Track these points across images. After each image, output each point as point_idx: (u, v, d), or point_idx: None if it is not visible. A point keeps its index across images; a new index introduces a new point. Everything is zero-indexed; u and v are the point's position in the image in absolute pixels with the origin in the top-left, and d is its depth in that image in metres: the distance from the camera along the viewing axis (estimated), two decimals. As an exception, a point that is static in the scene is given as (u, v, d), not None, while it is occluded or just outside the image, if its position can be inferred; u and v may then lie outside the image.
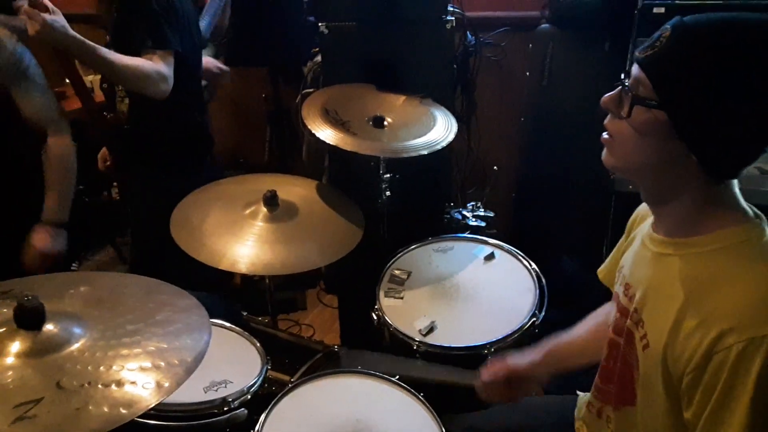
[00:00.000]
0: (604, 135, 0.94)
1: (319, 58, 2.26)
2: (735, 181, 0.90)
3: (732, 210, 0.89)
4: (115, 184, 2.88)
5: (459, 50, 2.14)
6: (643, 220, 1.07)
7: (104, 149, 2.11)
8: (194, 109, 1.98)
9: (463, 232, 1.93)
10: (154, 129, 1.91)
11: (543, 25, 2.22)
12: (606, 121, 0.93)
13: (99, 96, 2.31)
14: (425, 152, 1.70)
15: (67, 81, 2.91)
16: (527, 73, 2.24)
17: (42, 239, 1.73)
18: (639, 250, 1.01)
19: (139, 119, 1.91)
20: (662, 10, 1.80)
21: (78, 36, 1.55)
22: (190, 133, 1.97)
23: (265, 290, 1.87)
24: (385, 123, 1.81)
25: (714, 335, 0.81)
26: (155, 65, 1.67)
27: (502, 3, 2.45)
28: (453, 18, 1.93)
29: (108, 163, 2.10)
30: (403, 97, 1.90)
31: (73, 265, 2.45)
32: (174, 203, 1.68)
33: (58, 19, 1.50)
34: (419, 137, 1.75)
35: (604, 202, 1.99)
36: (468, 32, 2.15)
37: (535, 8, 2.30)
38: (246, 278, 2.46)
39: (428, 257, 1.78)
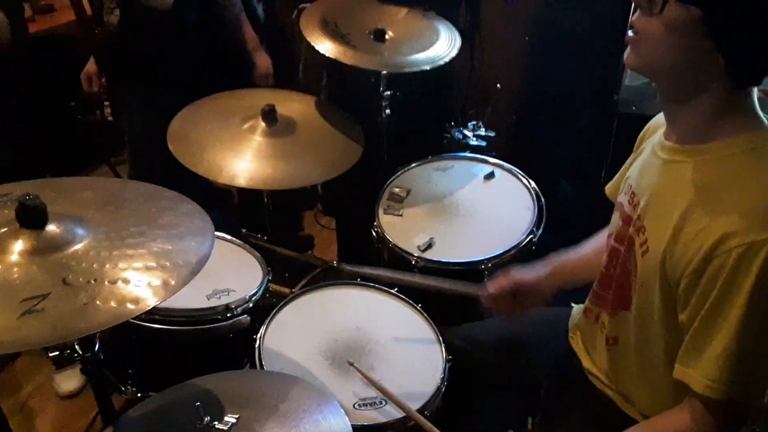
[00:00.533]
0: (630, 33, 0.91)
1: (316, -32, 2.15)
2: (755, 89, 0.89)
3: (748, 117, 0.88)
4: (107, 103, 2.81)
5: (464, -39, 2.04)
6: (653, 132, 1.06)
7: (87, 69, 2.03)
8: (184, 40, 1.88)
9: (464, 152, 1.92)
10: (144, 41, 1.84)
11: (550, -60, 2.12)
12: (634, 18, 0.90)
13: (89, 10, 2.21)
14: (427, 67, 1.66)
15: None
16: (534, -13, 2.15)
17: None
18: (648, 158, 1.01)
19: (129, 31, 1.84)
20: None
21: None
22: (182, 60, 1.89)
23: (263, 210, 1.87)
24: (387, 36, 1.76)
25: (715, 239, 0.82)
26: None
27: None
28: (459, -76, 1.84)
29: (94, 86, 2.03)
30: (405, 10, 1.83)
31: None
32: (170, 117, 1.65)
33: None
34: (421, 52, 1.70)
35: (607, 124, 1.97)
36: (474, -58, 2.04)
37: None
38: (243, 198, 2.45)
39: (428, 176, 1.78)
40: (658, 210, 0.94)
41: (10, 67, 2.21)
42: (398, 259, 1.53)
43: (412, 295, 1.41)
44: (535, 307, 1.28)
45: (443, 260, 1.49)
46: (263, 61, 2.06)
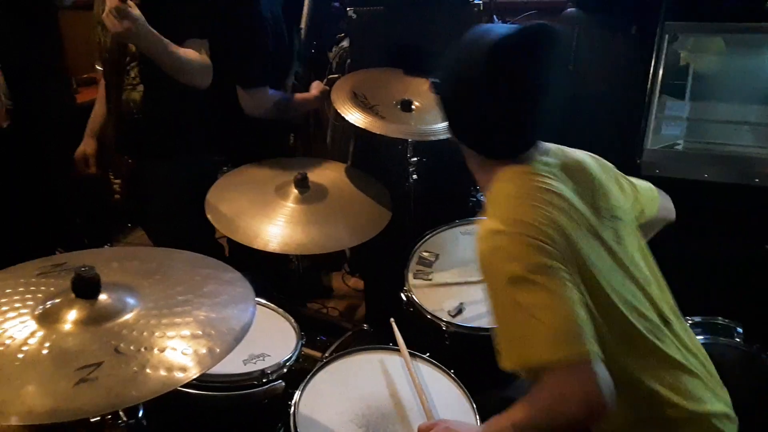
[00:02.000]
0: None
1: (344, 43, 2.28)
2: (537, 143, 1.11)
3: (514, 164, 1.08)
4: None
5: (486, 34, 2.14)
6: None
7: (85, 150, 1.98)
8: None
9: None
10: (169, 115, 1.81)
11: (569, 9, 2.21)
12: None
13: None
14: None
15: (98, 68, 2.96)
16: (553, 58, 2.24)
17: None
18: None
19: (153, 107, 1.79)
20: (690, -7, 1.79)
21: (155, 33, 1.55)
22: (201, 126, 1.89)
23: (292, 273, 1.91)
24: (413, 107, 1.84)
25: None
26: (204, 58, 1.70)
27: (528, -13, 2.44)
28: (480, 1, 1.94)
29: (91, 169, 1.99)
30: (430, 81, 1.91)
31: (106, 246, 2.51)
32: (193, 187, 1.71)
33: (139, 18, 1.48)
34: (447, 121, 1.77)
35: (631, 187, 1.99)
36: (495, 16, 2.15)
37: (561, -8, 2.29)
38: (270, 259, 2.49)
39: (455, 239, 1.81)
40: None
41: (62, 134, 2.34)
42: (428, 323, 1.54)
43: (444, 360, 1.41)
44: None
45: (474, 326, 1.50)
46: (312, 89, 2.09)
